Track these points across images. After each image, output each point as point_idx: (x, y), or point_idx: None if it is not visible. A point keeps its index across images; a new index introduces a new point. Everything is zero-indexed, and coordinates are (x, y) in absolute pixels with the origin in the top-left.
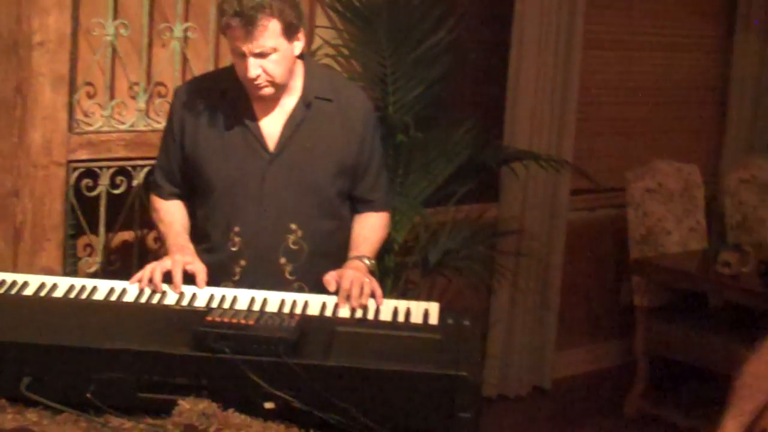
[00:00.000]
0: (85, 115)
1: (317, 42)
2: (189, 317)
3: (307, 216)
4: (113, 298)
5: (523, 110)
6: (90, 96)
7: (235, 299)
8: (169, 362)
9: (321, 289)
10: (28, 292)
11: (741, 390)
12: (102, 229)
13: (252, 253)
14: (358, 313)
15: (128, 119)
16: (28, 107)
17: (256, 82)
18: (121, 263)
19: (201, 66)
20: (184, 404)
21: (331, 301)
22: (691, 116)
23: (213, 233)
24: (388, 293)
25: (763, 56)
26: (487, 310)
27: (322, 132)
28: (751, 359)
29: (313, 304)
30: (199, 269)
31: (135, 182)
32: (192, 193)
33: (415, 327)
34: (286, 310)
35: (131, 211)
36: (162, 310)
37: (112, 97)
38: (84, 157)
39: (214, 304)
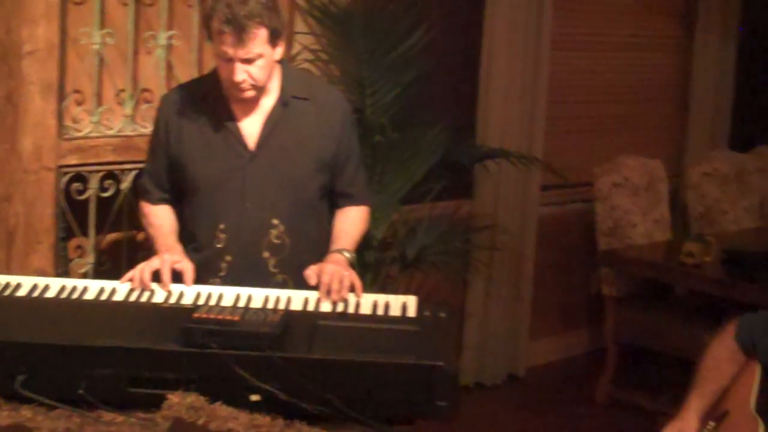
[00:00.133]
0: (74, 121)
1: (297, 47)
2: (177, 314)
3: (289, 211)
4: (104, 297)
5: (495, 110)
6: (78, 103)
7: (221, 296)
8: (158, 358)
9: (304, 282)
10: (22, 293)
11: (704, 372)
12: (92, 231)
13: (237, 249)
14: (340, 307)
15: (116, 125)
16: (19, 115)
17: (241, 86)
18: (111, 264)
19: (185, 72)
20: (173, 398)
21: (313, 296)
22: (654, 113)
23: (199, 232)
24: (368, 288)
25: (723, 56)
26: (462, 303)
27: (299, 130)
28: (714, 343)
29: (296, 299)
30: (187, 268)
31: (123, 185)
32: (179, 195)
33: (394, 320)
34: (270, 305)
35: (120, 214)
36: (151, 308)
37: (99, 103)
38: (73, 162)
39: (201, 302)
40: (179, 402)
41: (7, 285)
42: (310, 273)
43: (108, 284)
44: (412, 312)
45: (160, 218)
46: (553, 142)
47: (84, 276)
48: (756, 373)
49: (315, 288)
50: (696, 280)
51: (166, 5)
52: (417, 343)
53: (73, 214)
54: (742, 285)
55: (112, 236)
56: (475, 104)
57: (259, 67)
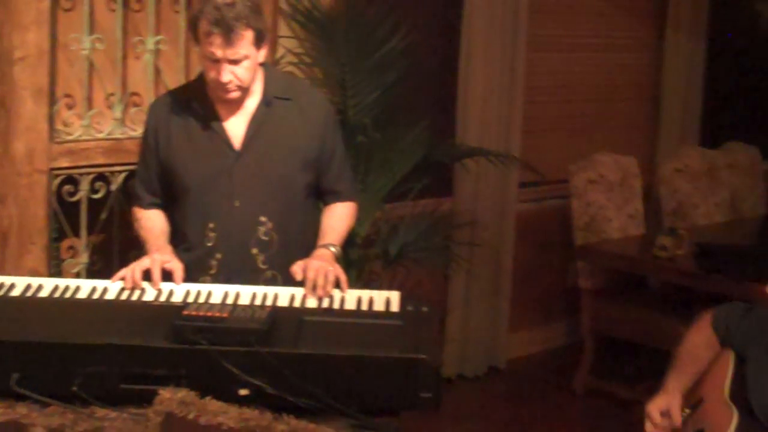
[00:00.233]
0: (65, 125)
1: (281, 51)
2: (167, 312)
3: (276, 208)
4: (96, 296)
5: (473, 110)
6: (69, 107)
7: (209, 294)
8: (149, 355)
9: (293, 277)
10: (15, 293)
11: (683, 356)
12: (84, 231)
13: (226, 247)
14: (325, 303)
15: (106, 128)
16: (11, 119)
17: (227, 87)
18: (103, 263)
19: (173, 76)
20: (165, 393)
21: (299, 292)
22: (627, 112)
23: (190, 232)
24: (353, 284)
25: (692, 55)
26: (444, 297)
27: (283, 129)
28: (691, 331)
29: (283, 295)
30: (176, 267)
31: (113, 187)
32: (171, 199)
33: (378, 315)
34: (258, 302)
35: (111, 214)
36: (141, 306)
37: (89, 107)
38: (65, 164)
39: (191, 299)
40: (170, 397)
41: (1, 285)
42: (296, 269)
43: (100, 283)
44: (395, 307)
45: (152, 221)
46: (530, 140)
47: (76, 276)
48: (730, 361)
49: (302, 283)
50: (669, 273)
51: (154, 11)
52: (400, 337)
53: (64, 215)
54: (714, 277)
55: (103, 237)
56: (454, 105)
57: (245, 68)
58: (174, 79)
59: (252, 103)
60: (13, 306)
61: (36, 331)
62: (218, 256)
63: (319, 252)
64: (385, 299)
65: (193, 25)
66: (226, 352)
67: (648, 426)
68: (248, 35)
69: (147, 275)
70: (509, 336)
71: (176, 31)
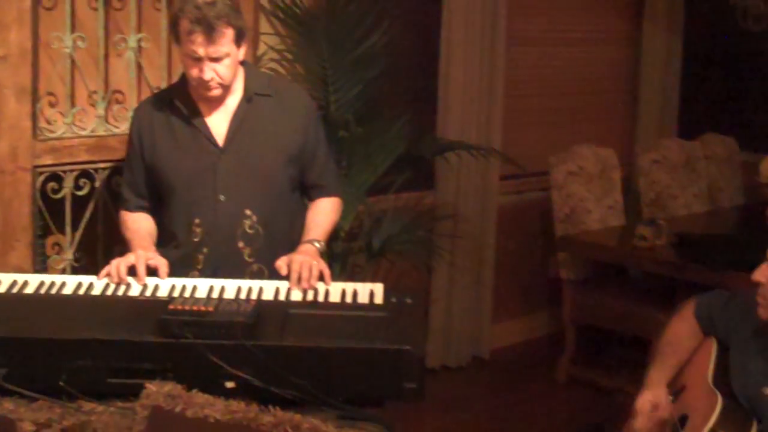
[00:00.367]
0: (48, 122)
1: (262, 48)
2: (153, 307)
3: (260, 202)
4: (81, 292)
5: (454, 104)
6: (52, 105)
7: (195, 288)
8: (135, 349)
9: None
10: (1, 289)
11: (664, 347)
12: (68, 228)
13: (212, 241)
14: (310, 296)
15: (89, 125)
16: None
17: (209, 84)
18: (88, 259)
19: (155, 73)
20: (151, 387)
21: (284, 286)
22: (606, 104)
23: (178, 230)
24: (337, 277)
25: (669, 48)
26: (427, 289)
27: (265, 124)
28: (674, 321)
29: (268, 289)
30: (161, 263)
31: (97, 184)
32: (158, 200)
33: (362, 307)
34: (243, 296)
35: (95, 211)
36: (127, 301)
37: (72, 105)
38: (48, 162)
39: (176, 294)
40: (157, 391)
41: None
42: (281, 264)
43: (85, 279)
44: (379, 299)
45: (137, 223)
46: (510, 133)
47: (62, 272)
48: (712, 348)
49: (287, 278)
50: (649, 263)
51: (135, 9)
52: (385, 328)
53: (49, 212)
54: (693, 266)
55: (87, 233)
56: (435, 99)
57: (226, 66)
58: (156, 77)
59: (233, 100)
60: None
61: (23, 327)
62: (205, 250)
63: (304, 247)
64: (369, 291)
65: (173, 25)
66: (212, 346)
67: (638, 421)
68: (229, 33)
69: (132, 271)
70: (492, 327)
71: (158, 29)
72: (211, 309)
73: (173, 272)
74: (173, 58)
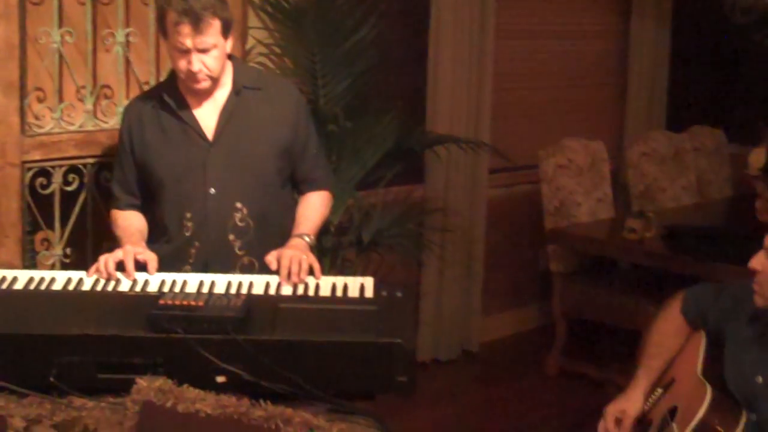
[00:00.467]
0: (37, 118)
1: (251, 42)
2: (143, 302)
3: (251, 194)
4: (71, 287)
5: (443, 98)
6: (40, 100)
7: (185, 283)
8: (125, 344)
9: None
10: None
11: (651, 348)
12: (57, 224)
13: (203, 235)
14: (300, 290)
15: (77, 120)
16: None
17: (197, 76)
18: (77, 255)
19: (143, 68)
20: (142, 382)
21: (274, 280)
22: (595, 97)
23: (169, 225)
24: (327, 271)
25: (657, 41)
26: (417, 282)
27: (254, 117)
28: (659, 319)
29: (258, 283)
30: (150, 258)
31: (86, 179)
32: (149, 196)
33: (353, 300)
34: (233, 290)
35: (84, 206)
36: (117, 296)
37: (61, 100)
38: (37, 157)
39: (166, 289)
40: (148, 386)
41: None
42: (270, 259)
43: (75, 274)
44: (369, 293)
45: (128, 220)
46: (499, 127)
47: (51, 268)
48: (701, 341)
49: (277, 272)
50: (638, 255)
51: (123, 3)
52: (375, 322)
53: (38, 208)
54: (682, 258)
55: (76, 228)
56: (424, 93)
57: (214, 57)
58: (144, 71)
59: (222, 94)
60: None
61: (12, 323)
62: (196, 244)
63: (293, 242)
64: (359, 285)
65: (160, 18)
66: (203, 340)
67: (601, 426)
68: (216, 24)
69: (121, 266)
70: (482, 320)
71: (146, 24)
72: (201, 304)
73: (166, 267)
74: (161, 52)
